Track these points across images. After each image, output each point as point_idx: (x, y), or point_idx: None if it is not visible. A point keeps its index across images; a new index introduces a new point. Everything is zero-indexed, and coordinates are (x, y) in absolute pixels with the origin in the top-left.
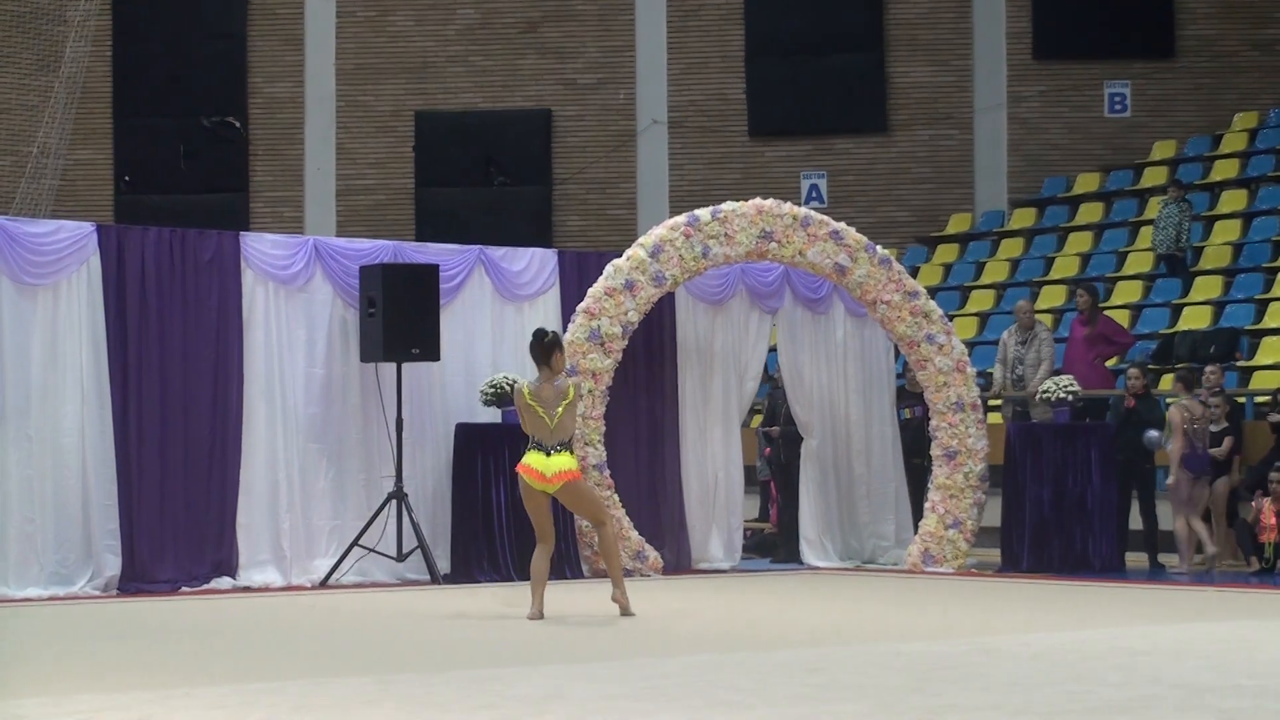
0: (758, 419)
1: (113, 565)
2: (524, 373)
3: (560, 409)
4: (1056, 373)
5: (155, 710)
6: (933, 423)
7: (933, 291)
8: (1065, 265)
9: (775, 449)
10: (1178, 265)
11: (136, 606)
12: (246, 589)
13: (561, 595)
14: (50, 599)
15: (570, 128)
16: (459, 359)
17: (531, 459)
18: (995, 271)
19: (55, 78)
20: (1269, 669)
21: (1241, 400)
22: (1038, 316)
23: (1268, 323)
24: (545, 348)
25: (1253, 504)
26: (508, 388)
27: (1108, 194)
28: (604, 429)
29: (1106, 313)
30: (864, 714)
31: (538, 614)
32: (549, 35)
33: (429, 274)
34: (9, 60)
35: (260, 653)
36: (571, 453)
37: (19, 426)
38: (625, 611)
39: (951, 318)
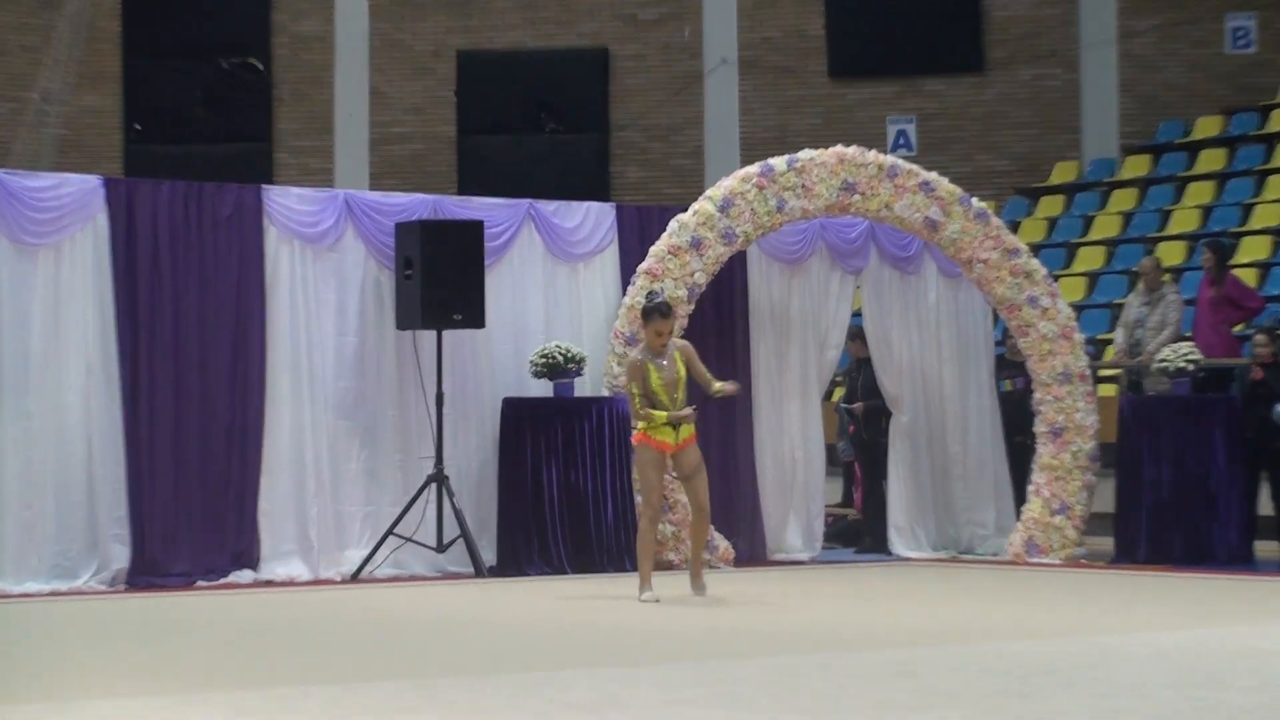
0: (839, 392)
1: (121, 557)
2: (578, 340)
3: (680, 394)
4: (1181, 339)
5: (168, 717)
6: (1036, 396)
7: (1035, 249)
8: (1184, 219)
9: (859, 425)
10: None
11: (147, 602)
12: (269, 583)
13: (611, 590)
14: (51, 594)
15: (630, 68)
16: (506, 326)
17: (658, 434)
18: (1105, 226)
19: (58, 15)
20: None
21: None
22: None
23: None
24: (645, 315)
25: None
26: (560, 358)
27: (1231, 139)
28: None
29: (1233, 271)
30: None
31: (655, 594)
32: None
33: (473, 231)
34: None
35: (285, 654)
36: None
37: (17, 402)
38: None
39: (1056, 278)
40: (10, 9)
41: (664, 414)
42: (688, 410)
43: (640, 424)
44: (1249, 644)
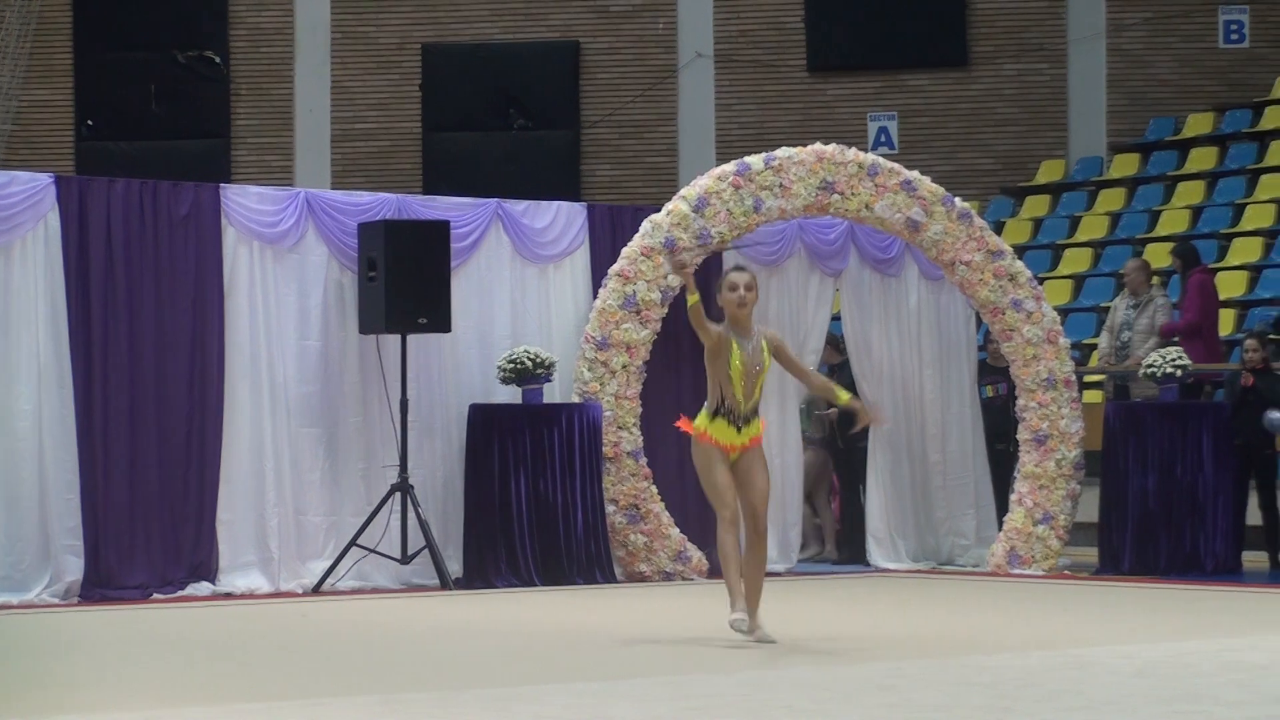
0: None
1: (74, 569)
2: (548, 345)
3: (758, 391)
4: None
5: None
6: (1020, 402)
7: (1020, 250)
8: (1173, 220)
9: (834, 433)
10: None
11: (102, 616)
12: (229, 596)
13: (594, 602)
14: (2, 607)
15: (601, 62)
16: (473, 330)
17: (718, 432)
18: (1092, 227)
19: (5, 5)
20: None
21: None
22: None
23: None
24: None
25: None
26: (529, 363)
27: (1222, 137)
28: (640, 410)
29: (1220, 273)
30: None
31: (746, 617)
32: None
33: (438, 232)
34: None
35: (245, 669)
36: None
37: None
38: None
39: (1041, 280)
40: None
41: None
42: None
43: (701, 415)
44: (1236, 658)
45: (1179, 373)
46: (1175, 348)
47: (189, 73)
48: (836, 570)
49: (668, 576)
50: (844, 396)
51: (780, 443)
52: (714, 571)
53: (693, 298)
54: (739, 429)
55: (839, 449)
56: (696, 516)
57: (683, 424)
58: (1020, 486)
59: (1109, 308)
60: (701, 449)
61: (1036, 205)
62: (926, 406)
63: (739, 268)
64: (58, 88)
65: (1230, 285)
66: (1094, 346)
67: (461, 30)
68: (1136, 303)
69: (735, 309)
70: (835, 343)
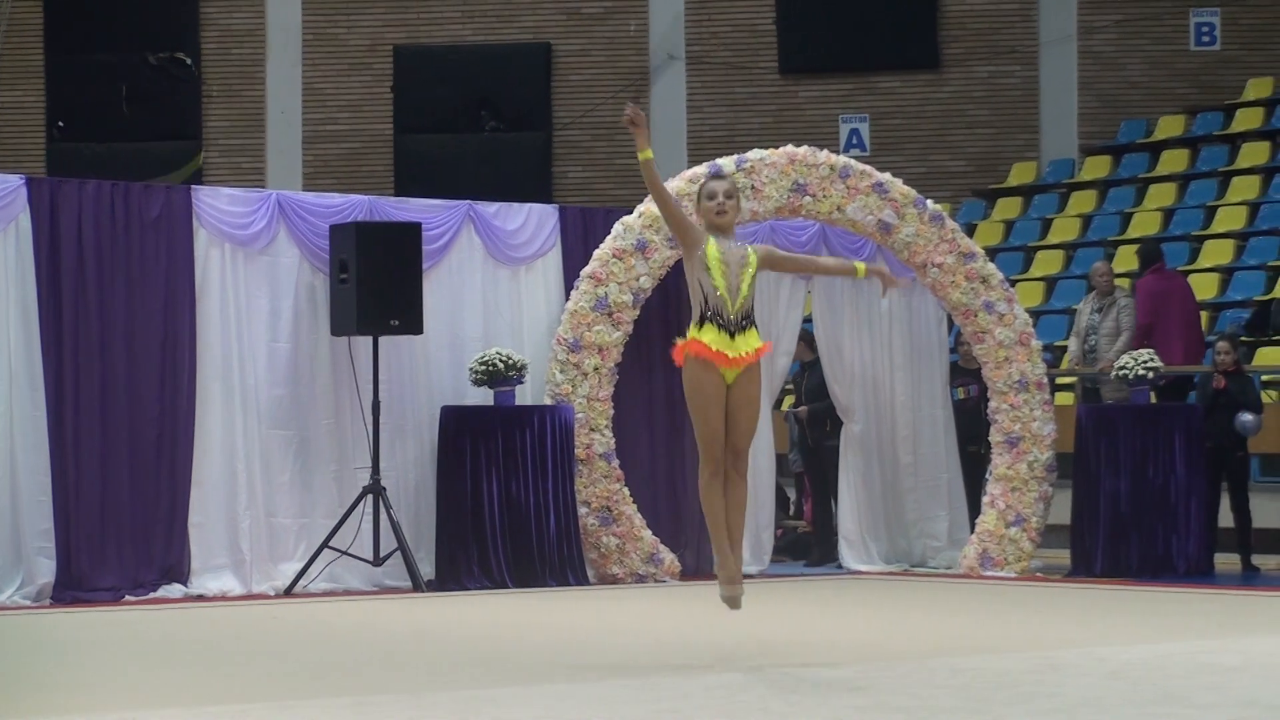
0: (790, 400)
1: (46, 571)
2: (519, 347)
3: (745, 283)
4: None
5: None
6: (991, 404)
7: (991, 253)
8: (1145, 222)
9: (803, 430)
10: None
11: (73, 618)
12: (200, 598)
13: (566, 604)
14: None
15: (573, 64)
16: (444, 332)
17: (709, 335)
18: (1064, 229)
19: None
20: None
21: None
22: (1115, 281)
23: None
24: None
25: None
26: (500, 365)
27: (1194, 139)
28: (613, 412)
29: (1191, 275)
30: None
31: (738, 592)
32: None
33: (410, 234)
34: None
35: (217, 671)
36: (758, 331)
37: None
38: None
39: (1013, 283)
40: None
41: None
42: None
43: (689, 331)
44: (1209, 660)
45: (1151, 375)
46: (1147, 349)
47: (160, 74)
48: (808, 572)
49: (640, 579)
50: (861, 268)
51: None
52: (686, 574)
53: (644, 154)
54: (731, 334)
55: (808, 446)
56: (669, 519)
57: (676, 353)
58: (992, 488)
59: (1072, 311)
60: (691, 373)
61: (1008, 207)
62: (898, 408)
63: (717, 175)
64: (28, 89)
65: (1202, 288)
66: (1065, 349)
67: (433, 32)
68: (1101, 305)
69: (714, 218)
70: (808, 339)
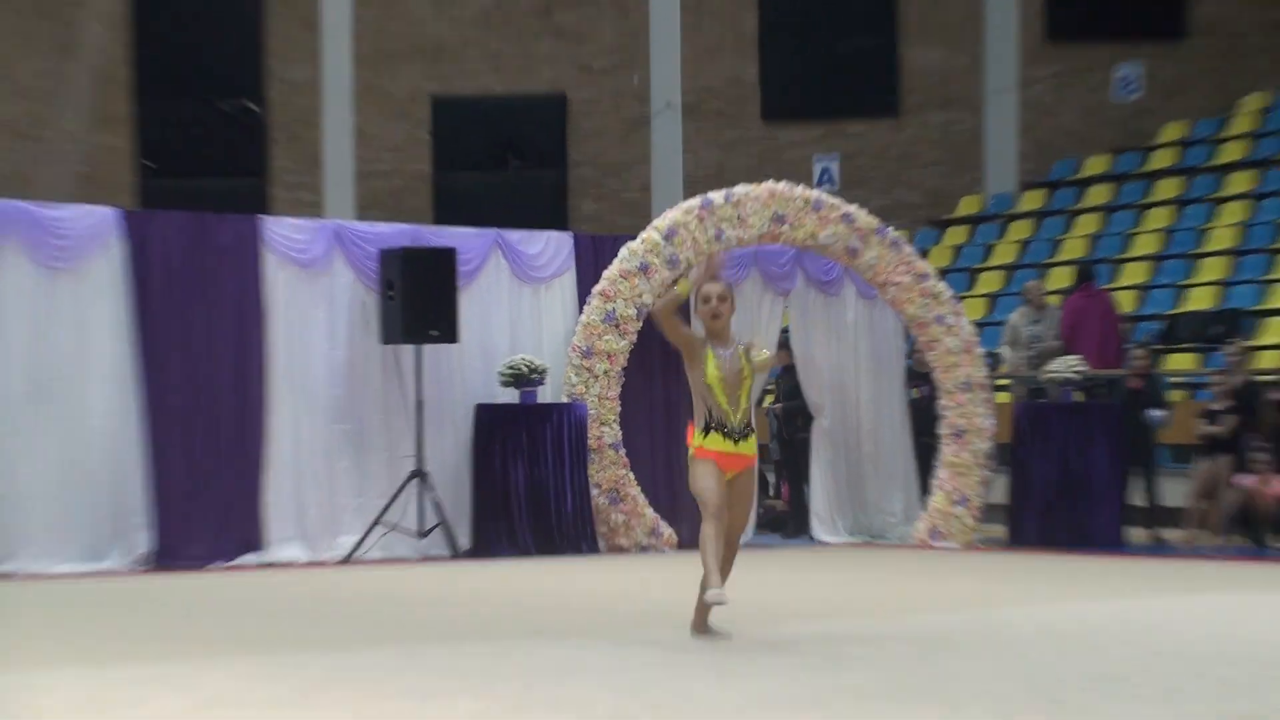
0: (770, 398)
1: (142, 542)
2: (540, 353)
3: (744, 395)
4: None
5: (187, 681)
6: (941, 402)
7: (942, 273)
8: (1073, 247)
9: (780, 425)
10: None
11: (166, 582)
12: (272, 565)
13: (580, 571)
14: (84, 574)
15: (585, 112)
16: (476, 341)
17: (716, 444)
18: (1004, 253)
19: (75, 62)
20: (1265, 638)
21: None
22: (1047, 298)
23: (1272, 303)
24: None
25: (1243, 480)
26: (525, 369)
27: (1116, 176)
28: (619, 409)
29: (1115, 291)
30: (872, 684)
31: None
32: (564, 19)
33: (447, 257)
34: (29, 44)
35: (286, 626)
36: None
37: (48, 409)
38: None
39: (960, 299)
40: (32, 57)
41: (685, 285)
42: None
43: (695, 435)
44: (1122, 615)
45: (1078, 377)
46: (1076, 356)
47: (232, 120)
48: (785, 544)
49: (643, 549)
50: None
51: None
52: (683, 544)
53: (683, 285)
54: (735, 441)
55: (784, 438)
56: (667, 499)
57: (690, 434)
58: (941, 473)
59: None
60: (699, 463)
61: (956, 235)
62: (862, 406)
63: (713, 278)
64: (120, 133)
65: (1122, 303)
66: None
67: (465, 84)
68: (1039, 318)
69: (709, 321)
70: (787, 345)
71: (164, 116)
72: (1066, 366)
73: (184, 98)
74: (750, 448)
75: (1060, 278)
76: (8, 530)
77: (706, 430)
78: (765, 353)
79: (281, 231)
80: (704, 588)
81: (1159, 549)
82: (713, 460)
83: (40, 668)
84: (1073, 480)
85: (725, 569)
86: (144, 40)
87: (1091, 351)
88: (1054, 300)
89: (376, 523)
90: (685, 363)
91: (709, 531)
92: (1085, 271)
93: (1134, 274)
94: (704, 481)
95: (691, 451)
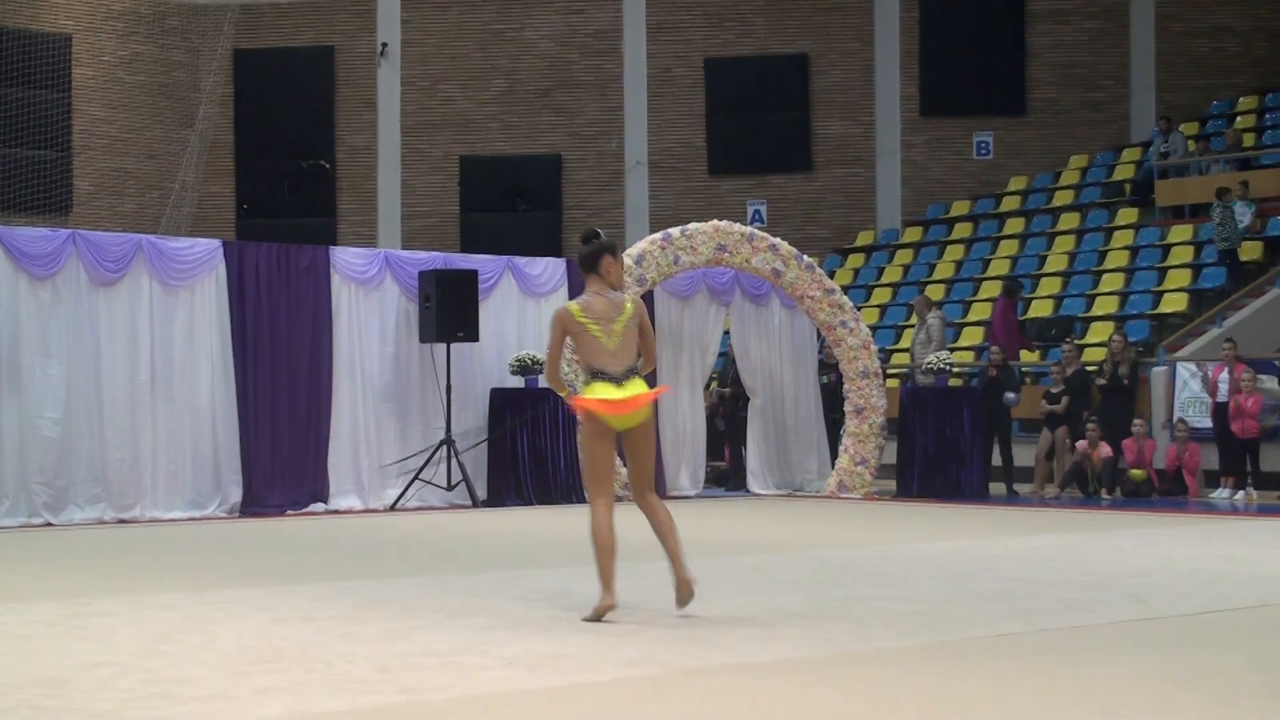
0: (715, 383)
1: (236, 494)
2: (540, 349)
3: (619, 324)
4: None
5: (267, 601)
6: (845, 386)
7: (846, 289)
8: (944, 269)
9: (727, 406)
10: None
11: (253, 525)
12: (335, 511)
13: (571, 518)
14: (189, 519)
15: (575, 168)
16: (492, 340)
17: (601, 389)
18: (891, 274)
19: (191, 131)
20: (1094, 568)
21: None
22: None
23: (1096, 312)
24: (592, 252)
25: (1078, 445)
26: (529, 361)
27: (975, 217)
28: None
29: (972, 305)
30: (797, 603)
31: (613, 604)
32: (559, 98)
33: (470, 277)
34: (157, 118)
35: (344, 559)
36: (645, 382)
37: (165, 392)
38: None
39: (859, 308)
40: (160, 126)
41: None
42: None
43: (583, 392)
44: (987, 551)
45: (949, 368)
46: (945, 351)
47: (309, 174)
48: (727, 495)
49: (617, 499)
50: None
51: (690, 412)
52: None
53: (563, 392)
54: (618, 383)
55: (727, 414)
56: None
57: (574, 402)
58: (846, 441)
59: (903, 327)
60: (586, 428)
61: (856, 260)
62: (785, 390)
63: (613, 251)
64: (224, 184)
65: (980, 313)
66: (894, 351)
67: (486, 147)
68: (920, 325)
69: (603, 284)
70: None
71: (258, 172)
72: (939, 359)
73: (273, 158)
74: (638, 386)
75: (934, 291)
76: (131, 485)
77: (590, 379)
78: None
79: (345, 258)
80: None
81: (1013, 499)
82: (601, 417)
83: (156, 592)
84: (946, 446)
85: (671, 538)
86: (243, 114)
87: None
88: (932, 310)
89: (414, 479)
90: (570, 345)
91: (603, 531)
92: (1006, 287)
93: (989, 290)
94: (594, 458)
95: (578, 407)
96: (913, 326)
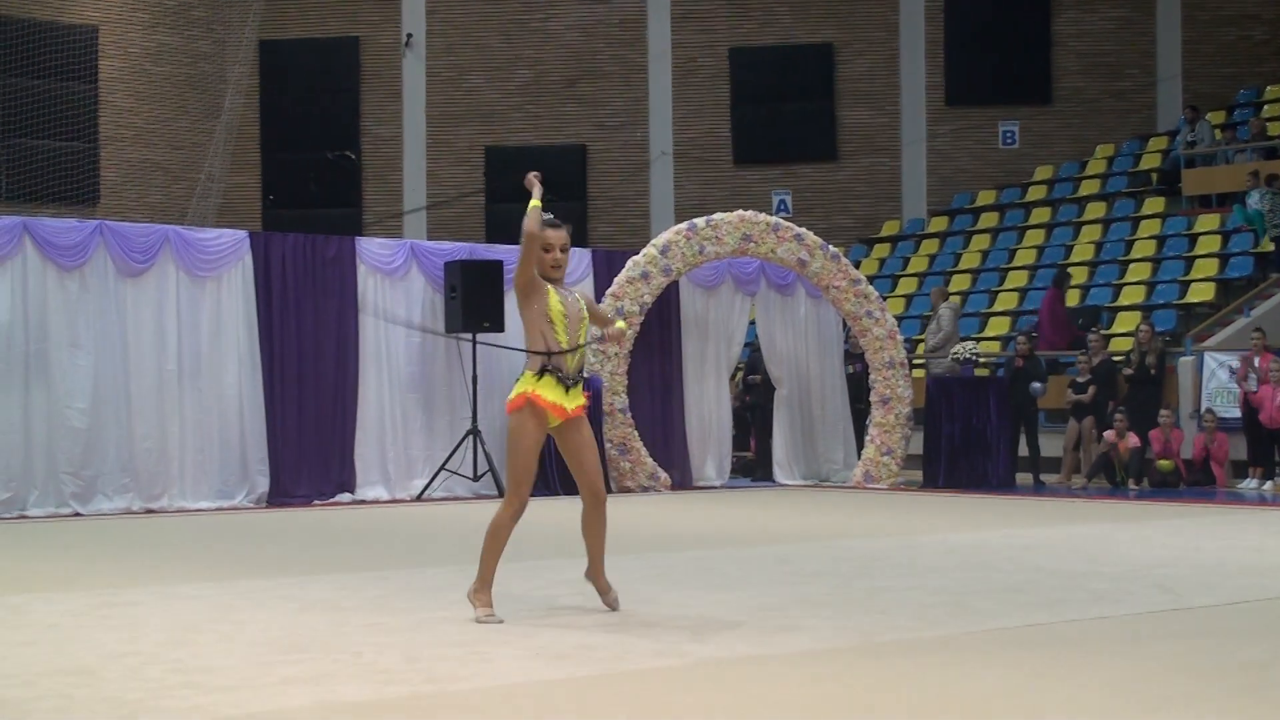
0: (740, 373)
1: (262, 484)
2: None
3: (583, 334)
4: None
5: (295, 591)
6: (871, 376)
7: (871, 279)
8: (969, 260)
9: (753, 395)
10: None
11: (280, 515)
12: (361, 502)
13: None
14: (216, 509)
15: (600, 158)
16: (518, 330)
17: (546, 390)
18: (917, 265)
19: (217, 123)
20: (1122, 559)
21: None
22: (953, 297)
23: (1123, 301)
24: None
25: (1105, 436)
26: None
27: (1001, 206)
28: (627, 382)
29: (998, 294)
30: (823, 593)
31: (490, 606)
32: (584, 89)
33: (495, 267)
34: (183, 110)
35: (371, 549)
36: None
37: (192, 382)
38: (610, 602)
39: (885, 298)
40: (187, 119)
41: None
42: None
43: (524, 379)
44: (1011, 542)
45: (976, 358)
46: (971, 341)
47: (335, 165)
48: (753, 485)
49: (644, 490)
50: (621, 324)
51: (717, 402)
52: (675, 486)
53: (535, 202)
54: (567, 389)
55: (754, 405)
56: (662, 451)
57: (513, 400)
58: (872, 430)
59: (928, 317)
60: (518, 422)
61: (881, 250)
62: (811, 380)
63: (555, 224)
64: (250, 175)
65: (1007, 303)
66: (919, 341)
67: (510, 137)
68: (933, 315)
69: (549, 270)
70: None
71: (283, 163)
72: (965, 349)
73: (298, 149)
74: (577, 399)
75: (960, 282)
76: (159, 475)
77: (542, 371)
78: (621, 323)
79: (371, 248)
80: (473, 598)
81: (1040, 490)
82: (541, 412)
83: (183, 582)
84: (972, 437)
85: (598, 548)
86: (269, 105)
87: (1050, 335)
88: (955, 299)
89: (441, 469)
90: (522, 298)
91: (501, 532)
92: (1055, 276)
93: (1016, 280)
94: (519, 457)
95: (514, 395)
96: None
